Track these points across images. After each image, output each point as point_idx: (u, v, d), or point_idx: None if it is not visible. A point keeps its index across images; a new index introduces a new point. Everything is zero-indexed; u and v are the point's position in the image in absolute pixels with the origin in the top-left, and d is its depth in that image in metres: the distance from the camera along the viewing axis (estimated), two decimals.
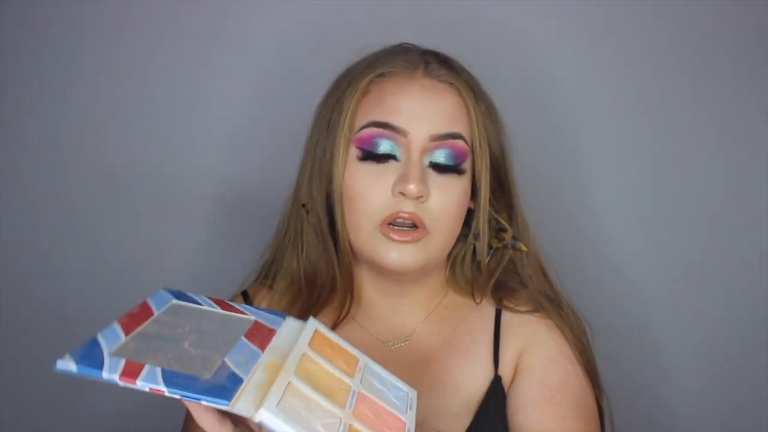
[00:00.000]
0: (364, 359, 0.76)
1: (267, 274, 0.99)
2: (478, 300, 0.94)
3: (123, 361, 0.64)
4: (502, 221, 0.93)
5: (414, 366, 0.91)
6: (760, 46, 1.18)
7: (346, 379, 0.72)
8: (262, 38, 1.18)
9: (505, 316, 0.94)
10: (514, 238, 0.94)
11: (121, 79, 1.18)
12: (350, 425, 0.67)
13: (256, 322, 0.74)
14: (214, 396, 0.62)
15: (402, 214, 0.85)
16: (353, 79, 0.89)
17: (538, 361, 0.90)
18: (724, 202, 1.21)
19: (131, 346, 0.66)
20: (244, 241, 1.08)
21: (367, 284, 0.94)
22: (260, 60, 1.18)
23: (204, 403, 0.62)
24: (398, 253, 0.85)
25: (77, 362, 0.62)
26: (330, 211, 0.90)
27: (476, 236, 0.94)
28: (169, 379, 0.63)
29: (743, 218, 1.21)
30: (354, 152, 0.87)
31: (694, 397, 1.24)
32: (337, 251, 0.91)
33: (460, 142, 0.87)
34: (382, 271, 0.89)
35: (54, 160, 1.20)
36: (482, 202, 0.91)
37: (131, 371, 0.63)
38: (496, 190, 0.93)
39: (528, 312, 0.93)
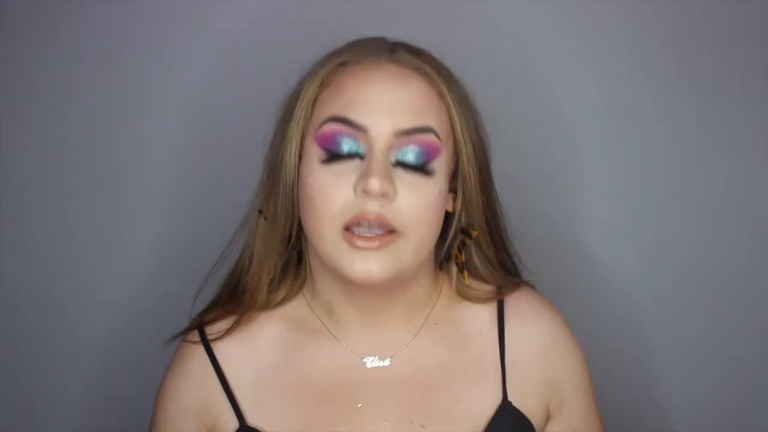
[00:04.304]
0: None
1: (232, 296, 0.89)
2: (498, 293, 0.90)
3: None
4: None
5: (395, 393, 0.85)
6: (759, 46, 1.15)
7: None
8: (232, 26, 1.15)
9: (508, 330, 0.88)
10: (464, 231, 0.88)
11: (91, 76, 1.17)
12: None
13: None
14: None
15: (367, 216, 0.76)
16: (313, 69, 0.83)
17: (568, 397, 0.89)
18: (720, 205, 1.19)
19: None
20: (208, 232, 1.04)
21: (340, 297, 0.85)
22: (230, 50, 1.15)
23: None
24: (363, 264, 0.77)
25: None
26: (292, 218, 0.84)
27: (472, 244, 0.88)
28: None
29: (740, 221, 1.19)
30: (316, 151, 0.79)
31: (691, 403, 1.22)
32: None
33: (430, 137, 0.78)
34: (349, 285, 0.81)
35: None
36: (471, 200, 0.84)
37: None
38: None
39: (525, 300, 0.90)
